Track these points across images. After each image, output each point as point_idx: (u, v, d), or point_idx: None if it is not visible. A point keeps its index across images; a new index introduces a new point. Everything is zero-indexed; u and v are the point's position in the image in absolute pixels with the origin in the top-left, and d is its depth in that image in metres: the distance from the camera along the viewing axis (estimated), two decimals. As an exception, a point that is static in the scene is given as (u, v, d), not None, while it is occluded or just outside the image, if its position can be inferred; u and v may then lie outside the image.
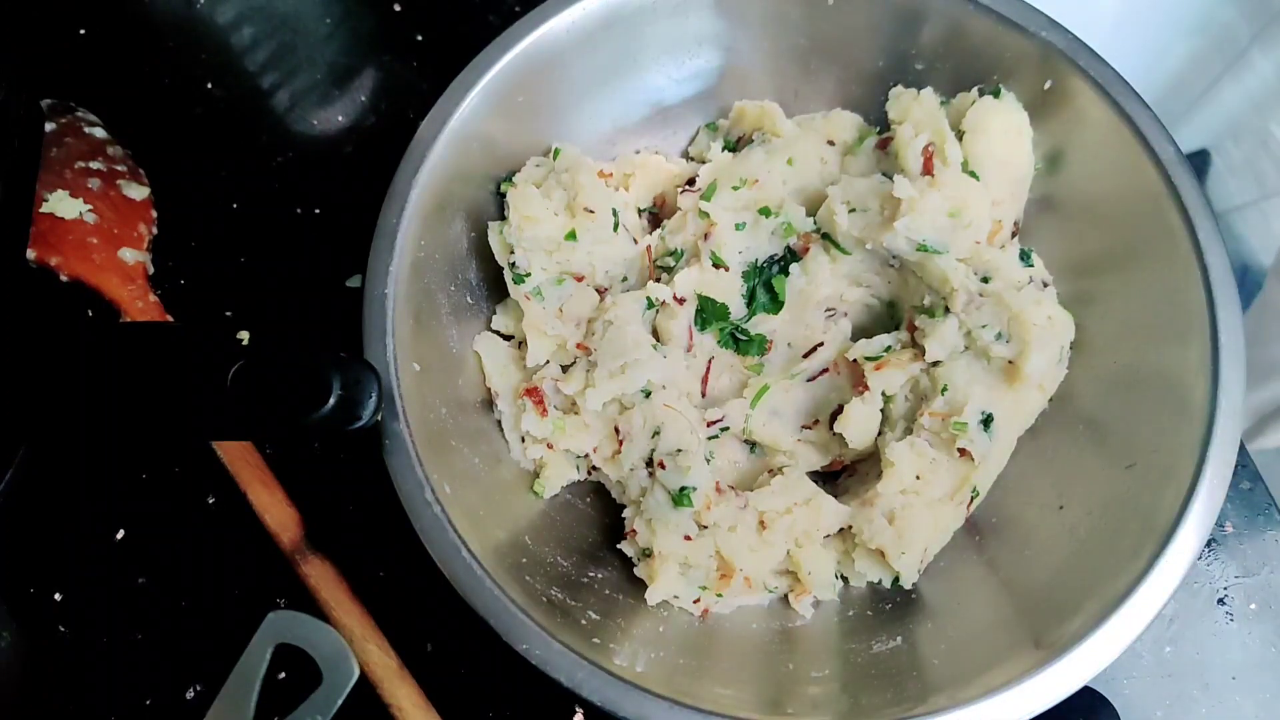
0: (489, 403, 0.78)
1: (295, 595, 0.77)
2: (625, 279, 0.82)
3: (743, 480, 0.79)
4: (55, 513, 0.82)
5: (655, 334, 0.78)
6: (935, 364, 0.74)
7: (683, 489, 0.70)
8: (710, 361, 0.80)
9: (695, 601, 0.72)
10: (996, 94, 0.77)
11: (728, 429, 0.78)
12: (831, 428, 0.77)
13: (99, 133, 0.93)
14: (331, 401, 0.60)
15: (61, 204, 0.86)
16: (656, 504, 0.71)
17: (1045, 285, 0.77)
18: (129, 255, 0.87)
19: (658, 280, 0.79)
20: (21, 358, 0.71)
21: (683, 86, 0.85)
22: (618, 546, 0.74)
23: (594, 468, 0.78)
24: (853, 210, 0.75)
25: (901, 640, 0.70)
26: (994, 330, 0.72)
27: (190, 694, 0.76)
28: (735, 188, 0.79)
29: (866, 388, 0.75)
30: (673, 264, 0.80)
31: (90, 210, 0.87)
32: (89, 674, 0.77)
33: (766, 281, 0.80)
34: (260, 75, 0.98)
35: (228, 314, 0.88)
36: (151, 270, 0.89)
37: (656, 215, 0.86)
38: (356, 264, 0.79)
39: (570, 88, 0.80)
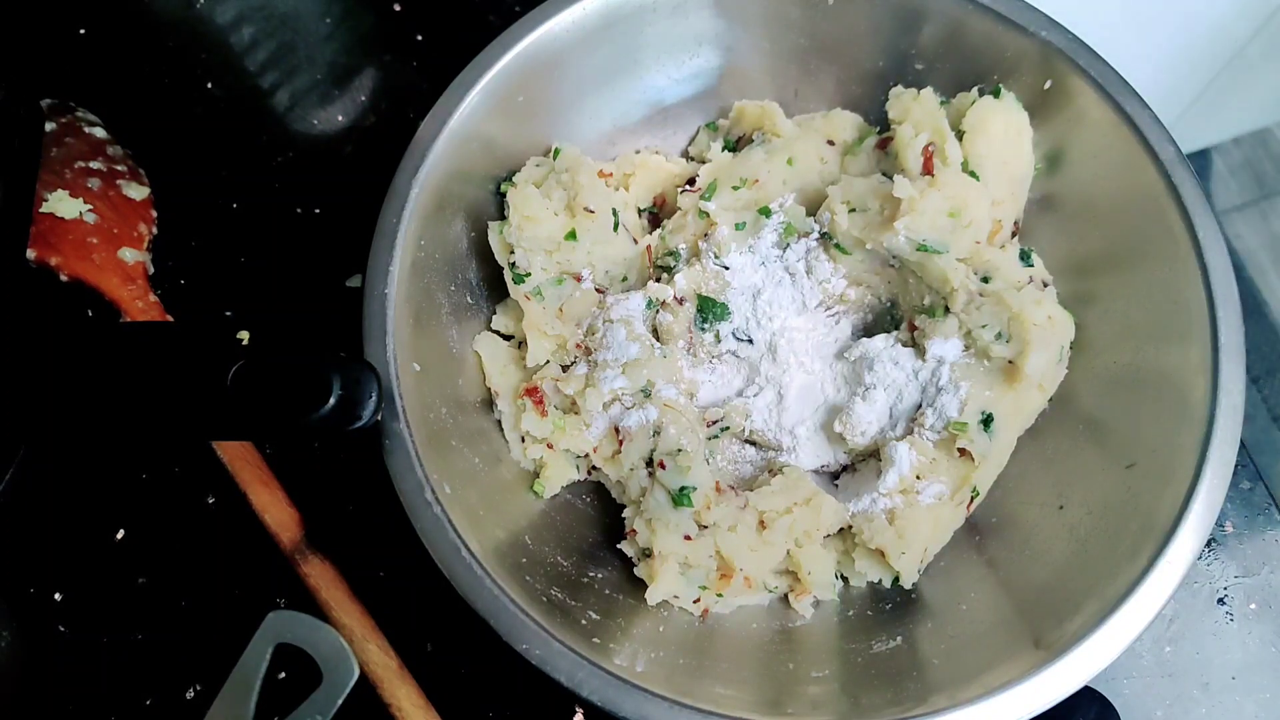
0: (489, 403, 0.78)
1: (295, 595, 0.77)
2: (625, 279, 0.82)
3: (743, 480, 0.79)
4: (55, 513, 0.82)
5: (655, 334, 0.78)
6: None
7: (683, 489, 0.70)
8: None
9: (695, 601, 0.72)
10: (996, 94, 0.77)
11: (728, 429, 0.78)
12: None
13: (99, 133, 0.93)
14: (331, 401, 0.60)
15: (61, 204, 0.86)
16: (656, 504, 0.71)
17: (1045, 285, 0.77)
18: (129, 255, 0.87)
19: (658, 280, 0.79)
20: (21, 358, 0.71)
21: (683, 86, 0.85)
22: (618, 546, 0.74)
23: (594, 468, 0.78)
24: (853, 210, 0.75)
25: (901, 640, 0.70)
26: (994, 330, 0.72)
27: (190, 694, 0.76)
28: (735, 188, 0.79)
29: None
30: (673, 264, 0.80)
31: (90, 210, 0.87)
32: (89, 674, 0.77)
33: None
34: (260, 75, 0.98)
35: (228, 314, 0.88)
36: (151, 270, 0.89)
37: (656, 215, 0.86)
38: (356, 264, 0.79)
39: (570, 88, 0.80)
